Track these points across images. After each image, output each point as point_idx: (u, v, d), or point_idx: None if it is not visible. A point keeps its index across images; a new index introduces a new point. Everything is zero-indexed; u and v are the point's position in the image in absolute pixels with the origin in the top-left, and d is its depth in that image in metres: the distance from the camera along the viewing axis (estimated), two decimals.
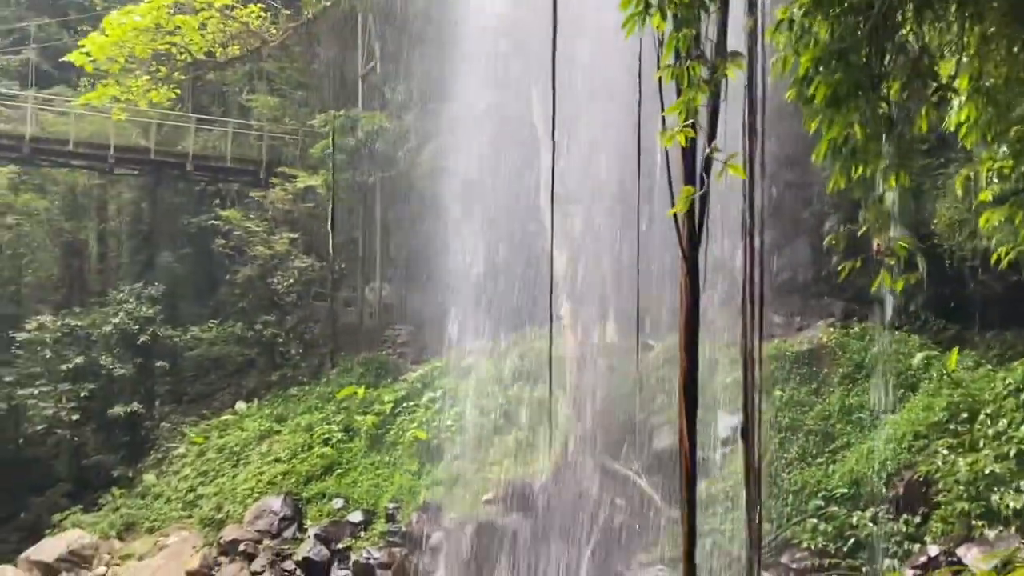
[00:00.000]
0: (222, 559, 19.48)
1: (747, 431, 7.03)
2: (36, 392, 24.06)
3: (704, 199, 6.04)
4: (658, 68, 5.43)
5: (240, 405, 24.81)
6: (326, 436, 21.39)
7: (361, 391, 22.29)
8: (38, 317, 24.66)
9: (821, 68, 5.99)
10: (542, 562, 16.65)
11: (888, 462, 14.39)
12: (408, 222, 22.28)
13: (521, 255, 18.94)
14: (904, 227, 7.34)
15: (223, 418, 24.39)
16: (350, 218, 25.95)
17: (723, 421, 17.26)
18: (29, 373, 24.44)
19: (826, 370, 16.99)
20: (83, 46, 16.49)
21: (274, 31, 18.18)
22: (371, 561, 18.13)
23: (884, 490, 14.32)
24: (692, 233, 6.12)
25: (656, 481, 17.09)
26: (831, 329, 17.68)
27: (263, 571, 18.74)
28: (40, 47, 26.30)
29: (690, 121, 5.26)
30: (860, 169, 6.43)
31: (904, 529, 13.74)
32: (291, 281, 24.52)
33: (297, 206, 23.82)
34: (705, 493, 16.71)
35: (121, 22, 16.58)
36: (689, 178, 6.00)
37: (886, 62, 5.88)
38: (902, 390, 15.57)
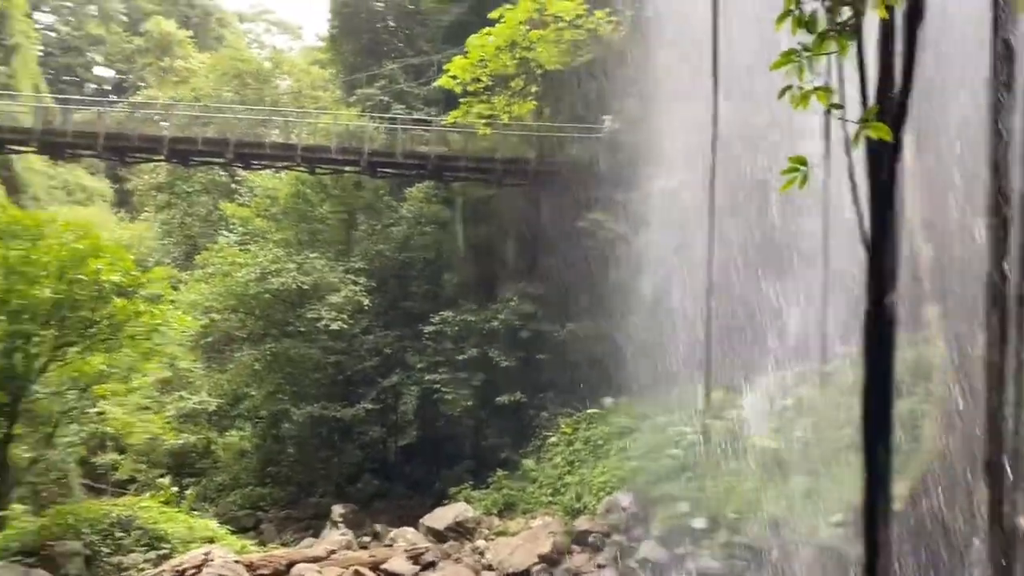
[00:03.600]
0: (574, 547, 20.30)
1: (994, 465, 5.48)
2: (439, 379, 27.40)
3: (891, 173, 4.86)
4: None
5: (608, 400, 25.61)
6: (678, 438, 21.15)
7: (717, 394, 21.62)
8: (442, 313, 28.05)
9: None
10: None
11: None
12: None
13: None
14: None
15: (592, 411, 25.41)
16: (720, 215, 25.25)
17: None
18: (434, 362, 27.93)
19: None
20: (447, 70, 18.38)
21: (620, 36, 18.45)
22: (709, 571, 17.51)
23: None
24: (879, 216, 4.95)
25: None
26: None
27: (607, 565, 19.15)
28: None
29: (814, 78, 4.27)
30: None
31: None
32: (658, 282, 24.60)
33: (659, 206, 23.84)
34: None
35: (480, 43, 18.15)
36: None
37: None
38: None
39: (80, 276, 17.27)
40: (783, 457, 18.33)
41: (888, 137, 4.19)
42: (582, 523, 20.57)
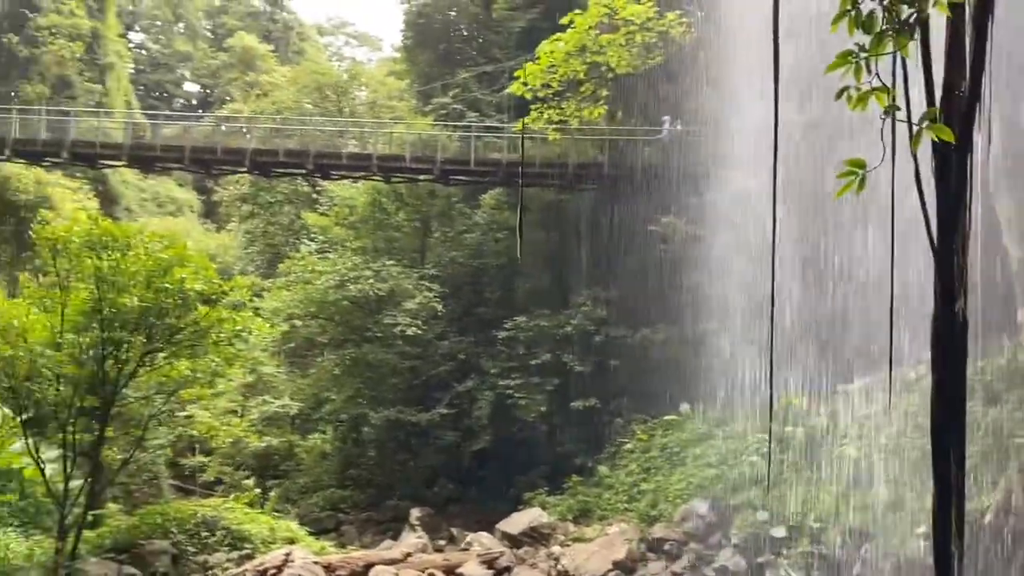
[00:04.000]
0: (650, 555, 20.09)
1: None
2: (513, 384, 27.48)
3: (960, 176, 4.70)
4: None
5: (684, 407, 25.27)
6: (758, 445, 20.74)
7: (798, 401, 21.13)
8: (515, 318, 28.13)
9: None
10: None
11: None
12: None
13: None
14: None
15: (667, 418, 25.11)
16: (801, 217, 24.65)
17: None
18: (508, 367, 28.03)
19: None
20: (518, 76, 18.48)
21: (690, 36, 18.22)
22: None
23: None
24: (947, 221, 4.79)
25: None
26: None
27: (683, 573, 18.89)
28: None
29: (871, 78, 4.17)
30: None
31: None
32: (731, 285, 24.19)
33: (732, 208, 23.44)
34: None
35: (550, 49, 18.20)
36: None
37: None
38: None
39: (166, 285, 17.96)
40: (865, 466, 17.81)
41: (951, 139, 4.04)
42: (658, 530, 20.34)
